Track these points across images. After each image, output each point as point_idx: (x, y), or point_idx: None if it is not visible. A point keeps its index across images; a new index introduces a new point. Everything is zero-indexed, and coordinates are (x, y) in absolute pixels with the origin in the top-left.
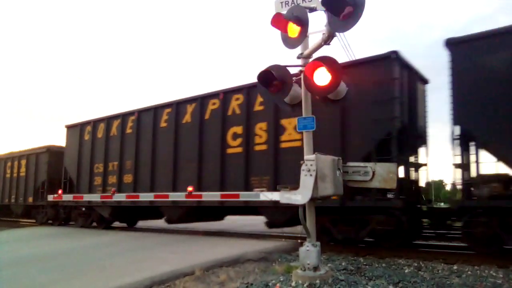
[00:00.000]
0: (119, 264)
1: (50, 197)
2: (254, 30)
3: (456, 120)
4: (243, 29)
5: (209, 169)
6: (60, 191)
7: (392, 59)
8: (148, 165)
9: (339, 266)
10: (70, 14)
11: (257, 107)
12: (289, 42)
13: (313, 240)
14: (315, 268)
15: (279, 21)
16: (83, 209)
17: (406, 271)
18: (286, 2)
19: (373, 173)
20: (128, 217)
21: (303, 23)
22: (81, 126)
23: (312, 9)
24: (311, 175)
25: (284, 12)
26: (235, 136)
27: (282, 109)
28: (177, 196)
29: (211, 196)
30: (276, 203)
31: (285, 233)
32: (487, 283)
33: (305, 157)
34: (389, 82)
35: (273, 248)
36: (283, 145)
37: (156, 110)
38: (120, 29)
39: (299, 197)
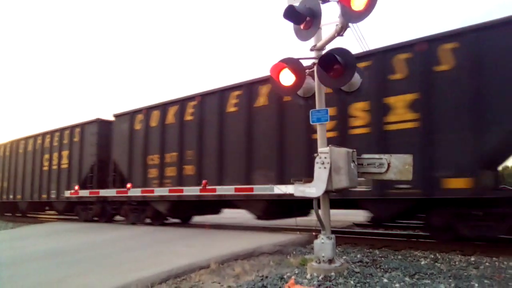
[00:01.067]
0: (136, 258)
1: (67, 193)
2: (268, 23)
3: None
4: (257, 22)
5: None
6: (76, 187)
7: None
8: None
9: (354, 258)
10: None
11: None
12: (302, 34)
13: (328, 232)
14: (330, 261)
15: (292, 13)
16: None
17: (423, 262)
18: None
19: (389, 164)
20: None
21: (316, 15)
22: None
23: (325, 0)
24: (325, 167)
25: (296, 4)
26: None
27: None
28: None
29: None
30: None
31: (300, 226)
32: (506, 275)
33: (319, 149)
34: None
35: (287, 241)
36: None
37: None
38: (126, 25)
39: (313, 190)
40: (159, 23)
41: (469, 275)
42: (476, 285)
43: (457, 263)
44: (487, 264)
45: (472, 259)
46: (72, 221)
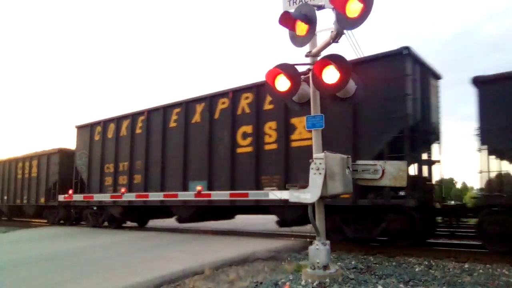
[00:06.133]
0: (130, 264)
1: (61, 197)
2: (262, 29)
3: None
4: (250, 28)
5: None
6: (70, 191)
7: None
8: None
9: (349, 264)
10: (74, 14)
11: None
12: (298, 41)
13: (323, 238)
14: (325, 267)
15: (287, 20)
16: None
17: (417, 269)
18: (294, 1)
19: (383, 171)
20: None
21: (311, 21)
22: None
23: (320, 7)
24: (320, 173)
25: (292, 10)
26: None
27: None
28: (186, 196)
29: (221, 195)
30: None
31: (294, 232)
32: (499, 282)
33: (314, 155)
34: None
35: (282, 247)
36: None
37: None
38: (121, 28)
39: (308, 195)
40: (154, 25)
41: (463, 282)
42: None
43: (451, 269)
44: (480, 271)
45: (466, 266)
46: (62, 226)
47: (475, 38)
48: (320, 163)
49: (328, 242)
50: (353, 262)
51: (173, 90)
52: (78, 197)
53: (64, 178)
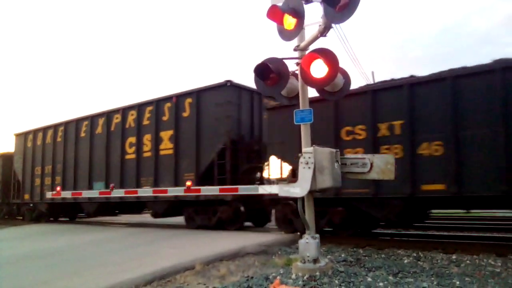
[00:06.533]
0: (120, 260)
1: (49, 194)
2: (249, 23)
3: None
4: (237, 22)
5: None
6: (58, 188)
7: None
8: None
9: (339, 257)
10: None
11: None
12: (286, 34)
13: (312, 232)
14: (315, 260)
15: (275, 13)
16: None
17: (405, 261)
18: None
19: (371, 164)
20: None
21: (299, 15)
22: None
23: (308, 1)
24: (309, 167)
25: (280, 4)
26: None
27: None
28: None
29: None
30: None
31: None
32: (485, 272)
33: (303, 149)
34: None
35: (272, 241)
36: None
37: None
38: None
39: (297, 189)
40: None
41: (450, 273)
42: (458, 282)
43: (439, 261)
44: (467, 262)
45: (454, 257)
46: (51, 223)
47: (463, 32)
48: (309, 157)
49: (317, 235)
50: (343, 255)
51: (144, 87)
52: (66, 194)
53: (6, 181)
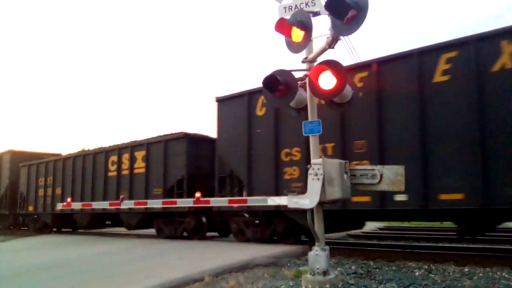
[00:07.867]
0: (128, 272)
1: (60, 205)
2: (258, 36)
3: None
4: (246, 35)
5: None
6: (69, 199)
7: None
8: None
9: (349, 270)
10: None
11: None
12: (294, 47)
13: (322, 244)
14: (325, 273)
15: (283, 26)
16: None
17: (417, 273)
18: (290, 7)
19: (381, 176)
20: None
21: (307, 28)
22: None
23: (316, 14)
24: (318, 179)
25: (287, 17)
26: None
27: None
28: (102, 205)
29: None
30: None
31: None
32: (499, 285)
33: (312, 161)
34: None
35: (281, 253)
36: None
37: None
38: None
39: (307, 201)
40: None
41: (463, 285)
42: None
43: (451, 273)
44: (480, 274)
45: (466, 269)
46: (60, 234)
47: (496, 26)
48: (318, 169)
49: (327, 247)
50: (353, 267)
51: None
52: (77, 205)
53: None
